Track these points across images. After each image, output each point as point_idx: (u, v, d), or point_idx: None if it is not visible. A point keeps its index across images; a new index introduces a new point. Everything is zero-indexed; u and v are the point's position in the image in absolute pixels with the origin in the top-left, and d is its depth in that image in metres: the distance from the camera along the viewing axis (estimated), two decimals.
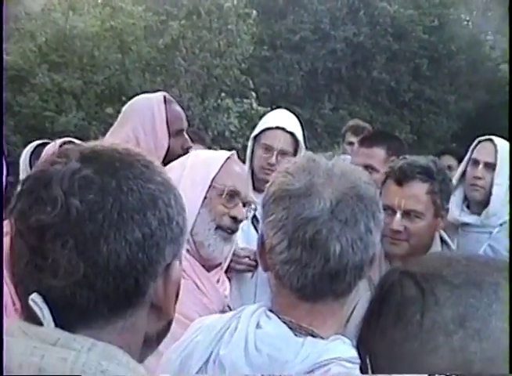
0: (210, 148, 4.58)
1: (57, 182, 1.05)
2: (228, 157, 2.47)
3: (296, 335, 1.58)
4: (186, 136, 3.30)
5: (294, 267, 1.56)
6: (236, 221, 2.46)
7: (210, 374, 1.62)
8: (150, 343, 1.16)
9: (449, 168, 4.85)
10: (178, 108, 3.32)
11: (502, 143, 3.64)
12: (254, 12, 12.34)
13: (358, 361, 1.22)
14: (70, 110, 10.98)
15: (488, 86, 19.86)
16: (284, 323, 1.60)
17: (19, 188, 1.10)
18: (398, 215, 2.77)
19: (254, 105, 12.01)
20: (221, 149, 5.15)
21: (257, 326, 1.62)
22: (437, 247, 2.86)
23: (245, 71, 13.21)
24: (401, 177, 2.79)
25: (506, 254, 3.38)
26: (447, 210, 2.86)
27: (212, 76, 12.02)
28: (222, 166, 2.44)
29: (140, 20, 12.04)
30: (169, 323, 1.18)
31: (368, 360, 1.29)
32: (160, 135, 3.16)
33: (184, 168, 2.42)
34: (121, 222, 1.05)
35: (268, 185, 1.67)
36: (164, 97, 3.27)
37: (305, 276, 1.54)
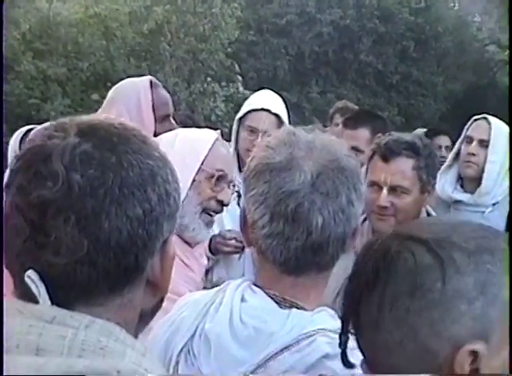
0: None
1: (57, 157, 1.02)
2: (216, 139, 2.47)
3: (281, 308, 1.57)
4: (173, 122, 3.26)
5: (277, 241, 1.55)
6: (222, 204, 2.47)
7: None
8: (145, 319, 1.16)
9: (446, 148, 4.84)
10: (165, 93, 3.28)
11: (496, 122, 3.65)
12: None
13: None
14: (55, 98, 10.90)
15: (476, 67, 19.92)
16: (269, 296, 1.59)
17: (15, 163, 1.07)
18: (385, 191, 2.77)
19: (241, 89, 11.98)
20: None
21: (242, 299, 1.62)
22: None
23: (231, 55, 13.18)
24: (387, 153, 2.79)
25: None
26: (433, 185, 2.86)
27: (198, 60, 11.98)
28: (211, 149, 2.43)
29: (124, 6, 11.96)
30: (162, 299, 1.17)
31: (355, 334, 1.27)
32: (147, 120, 3.13)
33: (172, 146, 2.40)
34: (122, 197, 1.03)
35: (248, 159, 1.65)
36: (151, 81, 3.23)
37: (288, 249, 1.53)
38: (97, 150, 1.04)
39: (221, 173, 2.43)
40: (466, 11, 22.11)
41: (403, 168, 2.77)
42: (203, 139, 2.49)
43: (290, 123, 3.81)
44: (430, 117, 18.01)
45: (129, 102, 3.14)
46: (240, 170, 3.55)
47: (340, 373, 1.42)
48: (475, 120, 3.72)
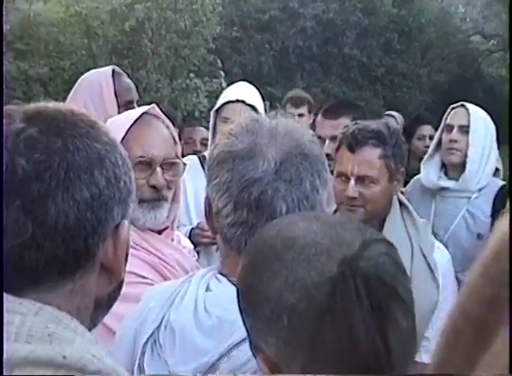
0: (180, 128, 4.55)
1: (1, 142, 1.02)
2: (139, 117, 2.31)
3: None
4: (136, 108, 3.29)
5: (241, 229, 1.53)
6: (157, 189, 2.33)
7: None
8: (101, 306, 1.14)
9: (430, 138, 4.85)
10: (128, 80, 3.31)
11: (474, 107, 3.67)
12: None
13: None
14: (37, 98, 10.73)
15: (460, 58, 20.00)
16: (234, 284, 1.58)
17: None
18: (352, 182, 2.75)
19: (224, 84, 11.96)
20: (192, 127, 5.11)
21: (207, 289, 1.60)
22: (395, 211, 2.84)
23: (214, 51, 13.18)
24: (353, 143, 2.76)
25: (485, 219, 3.39)
26: (402, 173, 2.84)
27: (180, 57, 11.98)
28: (125, 137, 2.26)
29: (105, 4, 11.94)
30: (119, 286, 1.16)
31: None
32: (109, 106, 3.15)
33: None
34: (69, 181, 1.02)
35: (211, 148, 1.64)
36: (113, 70, 3.27)
37: (253, 237, 1.52)
38: (43, 135, 1.03)
39: (142, 159, 2.28)
40: (449, 2, 22.18)
41: (370, 158, 2.75)
42: (121, 122, 2.33)
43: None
44: (416, 108, 18.02)
45: (92, 89, 3.19)
46: None
47: None
48: (453, 108, 3.74)
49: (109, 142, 1.11)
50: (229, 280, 1.59)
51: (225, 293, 1.57)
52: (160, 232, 2.42)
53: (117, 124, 2.31)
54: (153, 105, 2.44)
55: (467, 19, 22.74)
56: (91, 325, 1.12)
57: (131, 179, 1.15)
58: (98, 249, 1.07)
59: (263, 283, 1.18)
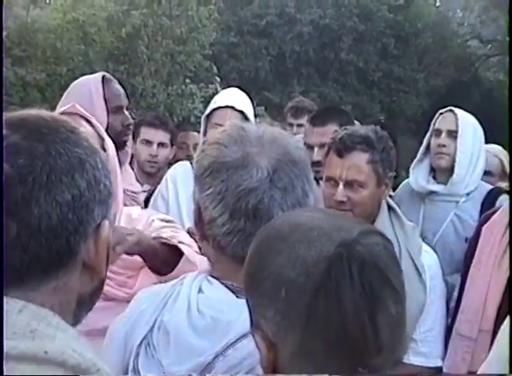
0: (173, 133, 4.57)
1: None
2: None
3: (238, 297, 1.58)
4: (126, 113, 3.31)
5: (238, 237, 1.56)
6: None
7: None
8: (84, 304, 1.18)
9: None
10: (117, 86, 3.33)
11: (462, 113, 3.69)
12: None
13: None
14: (35, 103, 10.88)
15: (458, 62, 20.00)
16: (226, 287, 1.60)
17: None
18: (341, 186, 2.78)
19: (219, 90, 11.98)
20: (185, 132, 5.12)
21: (200, 291, 1.62)
22: (383, 214, 2.87)
23: (211, 57, 13.20)
24: (341, 148, 2.80)
25: (473, 223, 3.41)
26: (390, 178, 2.87)
27: (176, 63, 12.02)
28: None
29: (101, 11, 11.99)
30: (101, 283, 1.20)
31: None
32: (99, 111, 3.16)
33: None
34: (51, 184, 1.07)
35: (198, 156, 1.66)
36: (103, 76, 3.29)
37: (250, 244, 1.55)
38: (26, 141, 1.08)
39: None
40: (446, 7, 22.18)
41: (358, 163, 2.78)
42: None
43: (255, 118, 3.84)
44: (413, 113, 18.09)
45: (81, 95, 3.20)
46: None
47: None
48: (441, 113, 3.76)
49: (89, 147, 1.16)
50: (221, 283, 1.62)
51: (218, 294, 1.60)
52: None
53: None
54: (74, 103, 2.50)
55: (465, 24, 22.74)
56: (74, 321, 1.16)
57: (111, 182, 1.20)
58: (79, 248, 1.12)
59: (267, 260, 1.24)
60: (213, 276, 1.65)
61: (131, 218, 2.62)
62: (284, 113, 5.48)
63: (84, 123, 2.42)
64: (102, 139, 2.43)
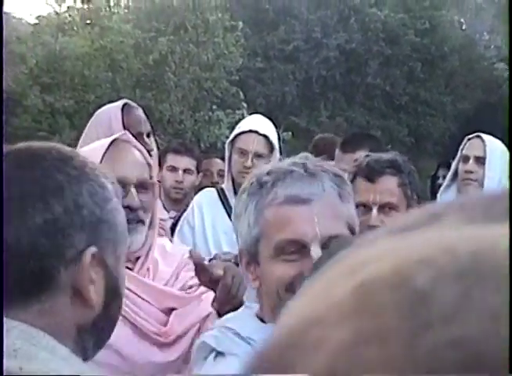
0: (199, 160, 4.59)
1: None
2: (111, 143, 2.29)
3: None
4: (147, 140, 3.30)
5: None
6: (132, 210, 2.23)
7: None
8: (85, 331, 1.18)
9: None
10: (138, 112, 3.33)
11: (490, 139, 3.68)
12: (241, 23, 12.39)
13: None
14: (63, 130, 11.02)
15: (485, 85, 19.89)
16: None
17: None
18: (375, 211, 2.77)
19: (246, 115, 12.04)
20: (209, 159, 5.16)
21: None
22: None
23: (238, 82, 13.27)
24: (371, 173, 2.79)
25: None
26: (417, 201, 2.87)
27: (202, 89, 12.09)
28: (104, 155, 2.23)
29: (129, 38, 12.10)
30: (109, 312, 1.20)
31: None
32: None
33: None
34: (22, 208, 1.11)
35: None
36: (125, 103, 3.30)
37: None
38: (12, 170, 1.14)
39: (117, 180, 2.27)
40: (473, 30, 22.10)
41: (390, 186, 2.77)
42: (96, 148, 2.32)
43: (282, 143, 3.85)
44: (440, 136, 18.00)
45: (101, 123, 3.22)
46: (235, 193, 3.56)
47: None
48: (469, 139, 3.75)
49: (74, 174, 1.18)
50: None
51: None
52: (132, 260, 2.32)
53: (90, 154, 2.32)
54: (125, 131, 2.47)
55: (491, 47, 22.65)
56: (79, 348, 1.16)
57: (105, 209, 1.20)
58: (59, 273, 1.12)
59: None
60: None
61: (165, 250, 2.51)
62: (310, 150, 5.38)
63: (133, 150, 2.39)
64: (149, 166, 2.40)
